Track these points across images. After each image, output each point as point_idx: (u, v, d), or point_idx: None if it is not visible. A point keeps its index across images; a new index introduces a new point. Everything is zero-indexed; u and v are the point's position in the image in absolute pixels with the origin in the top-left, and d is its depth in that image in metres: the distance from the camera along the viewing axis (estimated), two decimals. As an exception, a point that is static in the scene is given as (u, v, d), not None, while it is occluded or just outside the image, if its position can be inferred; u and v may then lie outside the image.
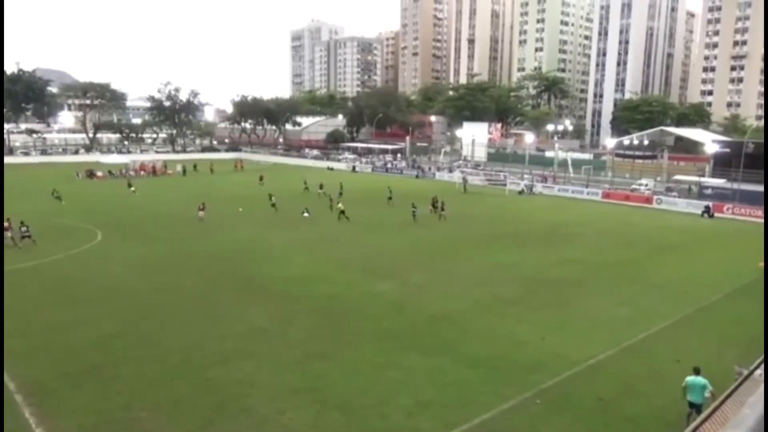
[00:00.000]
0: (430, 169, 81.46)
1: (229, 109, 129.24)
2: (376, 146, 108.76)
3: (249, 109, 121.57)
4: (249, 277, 25.34)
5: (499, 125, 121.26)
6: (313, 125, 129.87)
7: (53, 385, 14.78)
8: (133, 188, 53.65)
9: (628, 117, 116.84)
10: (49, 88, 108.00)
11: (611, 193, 57.12)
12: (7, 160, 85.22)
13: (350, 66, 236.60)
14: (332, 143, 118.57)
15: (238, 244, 32.51)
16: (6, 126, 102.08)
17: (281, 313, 20.57)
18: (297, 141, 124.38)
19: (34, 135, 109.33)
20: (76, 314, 20.17)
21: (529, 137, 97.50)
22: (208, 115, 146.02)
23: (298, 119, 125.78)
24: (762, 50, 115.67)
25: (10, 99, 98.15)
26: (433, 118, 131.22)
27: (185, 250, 30.59)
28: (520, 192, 60.01)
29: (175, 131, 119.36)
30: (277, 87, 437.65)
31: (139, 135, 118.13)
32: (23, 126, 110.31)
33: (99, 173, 67.66)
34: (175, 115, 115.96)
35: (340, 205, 41.55)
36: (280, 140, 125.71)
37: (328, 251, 30.94)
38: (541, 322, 20.18)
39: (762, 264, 25.69)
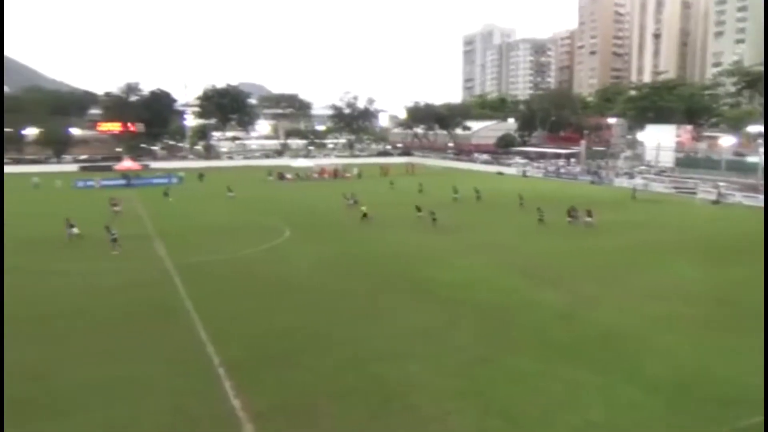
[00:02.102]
0: (607, 174, 76.42)
1: (402, 115, 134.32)
2: (549, 150, 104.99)
3: (421, 115, 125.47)
4: (413, 280, 26.12)
5: (689, 127, 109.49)
6: (482, 129, 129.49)
7: (246, 366, 16.78)
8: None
9: None
10: (249, 100, 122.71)
11: (834, 205, 48.48)
12: (214, 163, 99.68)
13: (522, 68, 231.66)
14: (502, 147, 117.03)
15: (401, 246, 33.62)
16: (214, 134, 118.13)
17: (444, 316, 20.95)
18: (467, 145, 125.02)
19: (236, 141, 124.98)
20: (261, 305, 22.65)
21: (727, 140, 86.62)
22: (383, 121, 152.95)
23: (468, 123, 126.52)
24: None
25: (219, 110, 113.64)
26: (611, 121, 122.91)
27: (355, 251, 32.45)
28: (715, 201, 53.65)
29: (353, 137, 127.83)
30: (448, 92, 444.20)
31: (323, 141, 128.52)
32: (228, 134, 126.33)
33: (288, 175, 74.64)
34: (353, 122, 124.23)
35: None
36: (450, 145, 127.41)
37: (488, 257, 30.74)
38: (733, 349, 17.94)
39: None
